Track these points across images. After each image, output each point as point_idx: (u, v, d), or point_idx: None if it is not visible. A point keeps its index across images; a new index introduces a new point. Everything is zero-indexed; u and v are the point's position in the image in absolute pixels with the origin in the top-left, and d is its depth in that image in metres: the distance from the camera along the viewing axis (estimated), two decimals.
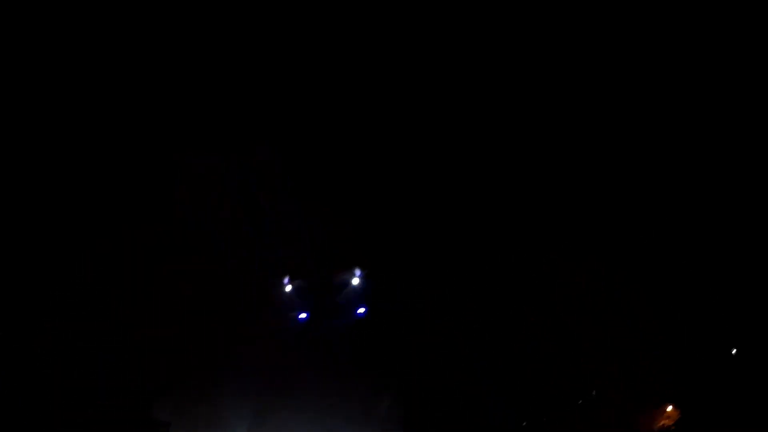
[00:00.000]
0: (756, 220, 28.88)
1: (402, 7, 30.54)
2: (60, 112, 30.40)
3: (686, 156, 29.79)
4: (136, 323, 29.72)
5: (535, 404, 30.69)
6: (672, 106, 29.95)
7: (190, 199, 30.88)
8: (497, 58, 30.91)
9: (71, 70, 30.28)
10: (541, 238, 30.71)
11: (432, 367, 31.38)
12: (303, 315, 32.10)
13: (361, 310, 32.12)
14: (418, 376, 31.55)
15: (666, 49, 29.77)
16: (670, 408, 29.47)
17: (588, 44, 30.22)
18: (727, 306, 28.85)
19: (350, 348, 31.29)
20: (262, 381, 30.46)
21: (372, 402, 30.69)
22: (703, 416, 28.21)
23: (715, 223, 29.45)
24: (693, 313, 29.09)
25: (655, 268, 29.84)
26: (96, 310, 29.71)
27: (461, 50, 31.04)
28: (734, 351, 28.85)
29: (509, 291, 31.01)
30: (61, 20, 29.80)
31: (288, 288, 31.91)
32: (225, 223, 31.20)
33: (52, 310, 29.38)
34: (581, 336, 29.98)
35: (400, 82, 31.22)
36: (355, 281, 32.26)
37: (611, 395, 29.42)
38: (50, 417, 28.83)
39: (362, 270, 31.75)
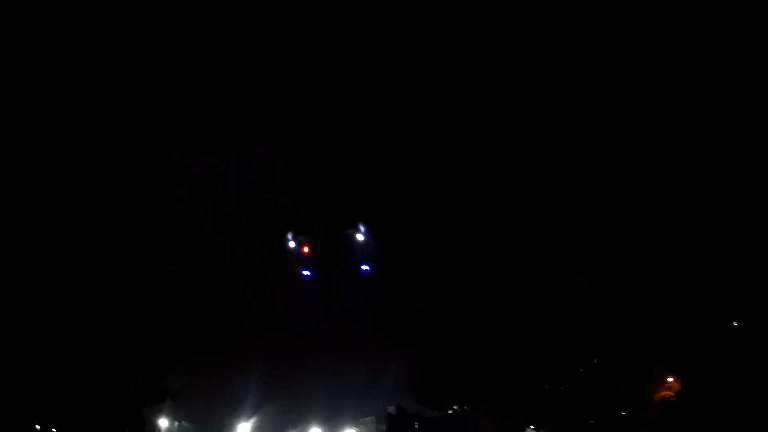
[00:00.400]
0: (754, 218, 28.89)
1: (400, 9, 30.64)
2: (60, 113, 30.51)
3: (686, 157, 29.78)
4: (136, 321, 29.83)
5: (535, 401, 30.81)
6: (672, 107, 29.96)
7: (190, 199, 30.99)
8: (497, 59, 30.97)
9: (72, 71, 30.39)
10: (541, 238, 30.72)
11: (432, 368, 31.47)
12: (307, 272, 32.19)
13: (365, 267, 32.19)
14: (418, 377, 31.68)
15: (666, 49, 29.79)
16: (671, 379, 29.57)
17: (588, 45, 30.27)
18: (726, 289, 28.90)
19: (357, 318, 31.50)
20: (271, 351, 30.53)
21: (379, 369, 30.90)
22: (703, 387, 28.24)
23: (713, 222, 29.44)
24: (692, 298, 29.11)
25: (655, 268, 29.81)
26: (96, 310, 29.80)
27: (460, 51, 31.12)
28: (735, 324, 28.93)
29: (509, 291, 31.02)
30: (62, 21, 29.91)
31: (292, 245, 32.13)
32: (224, 222, 31.35)
33: (52, 310, 29.44)
34: (581, 336, 29.98)
35: (401, 85, 31.34)
36: (360, 238, 32.32)
37: (612, 368, 29.52)
38: (50, 417, 28.88)
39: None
